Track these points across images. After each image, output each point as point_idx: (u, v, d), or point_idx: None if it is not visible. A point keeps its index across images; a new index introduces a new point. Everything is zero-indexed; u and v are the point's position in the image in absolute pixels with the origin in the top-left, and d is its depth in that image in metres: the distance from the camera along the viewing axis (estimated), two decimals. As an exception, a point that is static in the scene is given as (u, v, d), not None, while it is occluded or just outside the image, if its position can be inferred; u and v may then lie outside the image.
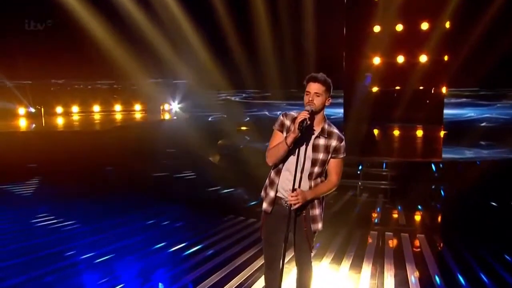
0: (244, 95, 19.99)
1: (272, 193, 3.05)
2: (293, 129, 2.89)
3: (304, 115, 2.84)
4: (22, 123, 16.25)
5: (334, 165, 3.00)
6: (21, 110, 16.94)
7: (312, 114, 2.90)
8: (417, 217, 6.22)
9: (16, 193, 7.23)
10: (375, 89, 12.93)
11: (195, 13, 14.13)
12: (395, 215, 6.25)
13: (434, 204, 6.69)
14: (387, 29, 12.29)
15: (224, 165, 9.03)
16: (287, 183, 2.98)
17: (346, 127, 11.73)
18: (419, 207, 6.53)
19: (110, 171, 8.88)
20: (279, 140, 2.96)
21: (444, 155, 8.44)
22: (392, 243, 5.23)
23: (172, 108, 19.39)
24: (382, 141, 10.71)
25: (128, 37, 14.34)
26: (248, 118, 14.66)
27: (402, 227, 5.71)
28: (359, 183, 7.28)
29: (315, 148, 2.97)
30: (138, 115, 19.25)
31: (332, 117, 15.26)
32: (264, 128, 13.03)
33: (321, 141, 2.97)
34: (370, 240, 5.29)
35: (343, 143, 3.00)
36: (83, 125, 16.39)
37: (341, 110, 13.04)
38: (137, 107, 19.57)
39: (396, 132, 11.89)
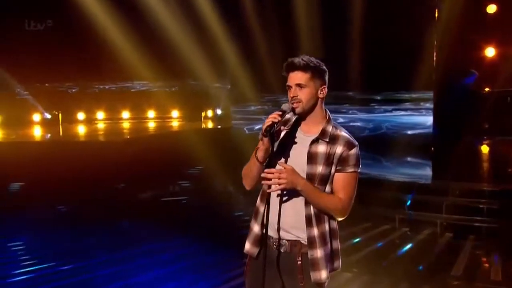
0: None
1: (256, 228, 2.80)
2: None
3: (272, 118, 2.58)
4: (37, 132, 17.32)
5: (340, 182, 2.68)
6: (36, 117, 18.04)
7: (300, 113, 2.66)
8: (521, 271, 5.62)
9: (17, 216, 7.71)
10: (486, 90, 12.18)
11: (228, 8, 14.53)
12: (488, 266, 5.77)
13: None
14: (508, 8, 11.55)
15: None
16: (276, 213, 2.70)
17: (437, 141, 11.14)
18: (527, 256, 5.93)
19: (125, 191, 9.14)
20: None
21: None
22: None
23: (215, 115, 19.70)
24: (489, 162, 10.05)
25: (156, 35, 14.96)
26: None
27: (495, 285, 5.21)
28: (442, 218, 6.83)
29: (312, 158, 2.68)
30: (175, 123, 19.77)
31: (418, 127, 14.62)
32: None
33: (321, 148, 2.69)
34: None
35: (354, 150, 2.69)
36: (108, 134, 17.09)
37: (430, 118, 12.42)
38: (175, 113, 20.08)
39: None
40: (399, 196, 7.19)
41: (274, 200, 2.69)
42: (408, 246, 6.28)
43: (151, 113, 19.90)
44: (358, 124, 15.53)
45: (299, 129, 2.73)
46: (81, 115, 19.04)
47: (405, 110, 17.35)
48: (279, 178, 2.57)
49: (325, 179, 2.67)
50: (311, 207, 2.67)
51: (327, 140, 2.68)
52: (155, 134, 17.07)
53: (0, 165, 11.05)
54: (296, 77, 2.67)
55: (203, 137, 14.95)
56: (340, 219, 2.73)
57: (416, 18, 12.30)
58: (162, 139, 15.57)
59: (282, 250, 2.70)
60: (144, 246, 6.25)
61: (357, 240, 6.48)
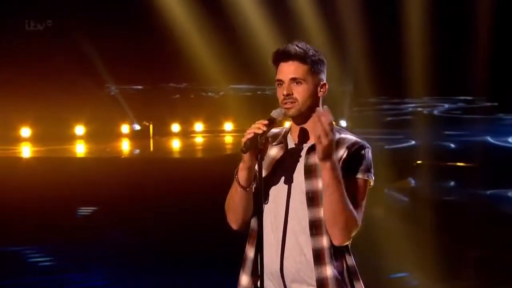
0: (447, 105, 19.21)
1: (245, 280, 2.71)
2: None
3: (255, 128, 2.56)
4: (125, 146, 18.10)
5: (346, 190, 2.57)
6: (125, 128, 18.82)
7: (297, 118, 2.68)
8: None
9: (98, 245, 8.19)
10: None
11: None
12: None
13: None
14: None
15: (392, 225, 8.66)
16: (273, 257, 2.60)
17: None
18: None
19: (218, 217, 9.21)
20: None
21: None
22: None
23: (338, 126, 19.28)
24: None
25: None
26: (452, 146, 13.77)
27: None
28: None
29: (310, 171, 2.63)
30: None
31: None
32: (483, 165, 12.29)
33: None
34: None
35: (364, 152, 2.62)
36: (206, 149, 17.41)
37: None
38: (287, 124, 19.94)
39: None
40: None
41: (270, 238, 2.61)
42: None
43: (258, 125, 19.91)
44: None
45: (291, 138, 2.71)
46: (175, 127, 19.39)
47: None
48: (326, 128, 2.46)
49: None
50: (320, 239, 2.55)
51: None
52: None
53: (81, 184, 11.62)
54: (291, 69, 2.62)
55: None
56: (341, 243, 2.54)
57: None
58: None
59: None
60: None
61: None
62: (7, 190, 10.51)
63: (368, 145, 2.64)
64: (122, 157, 16.93)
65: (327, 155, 2.47)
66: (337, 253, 2.58)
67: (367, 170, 2.61)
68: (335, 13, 15.17)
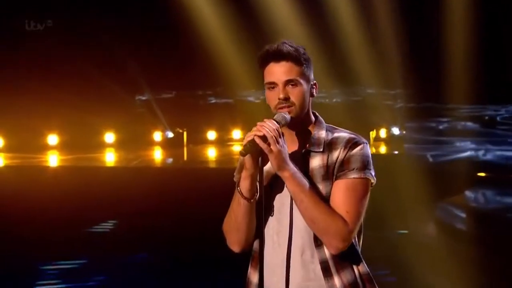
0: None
1: None
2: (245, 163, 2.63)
3: (256, 130, 2.54)
4: (157, 155, 18.13)
5: (340, 193, 2.60)
6: (157, 136, 18.89)
7: (291, 121, 2.68)
8: None
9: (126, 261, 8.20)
10: None
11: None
12: None
13: None
14: None
15: (445, 244, 8.40)
16: (278, 278, 2.62)
17: None
18: None
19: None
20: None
21: None
22: None
23: (391, 135, 19.00)
24: None
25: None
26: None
27: None
28: None
29: (308, 178, 2.66)
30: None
31: None
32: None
33: (315, 162, 2.68)
34: None
35: (359, 149, 2.65)
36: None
37: None
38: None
39: None
40: None
41: (272, 257, 2.63)
42: None
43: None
44: None
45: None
46: (211, 134, 19.44)
47: None
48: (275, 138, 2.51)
49: (328, 200, 2.62)
50: (324, 249, 2.58)
51: (321, 150, 2.66)
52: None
53: (109, 195, 11.61)
54: (284, 71, 2.62)
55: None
56: (336, 250, 2.55)
57: None
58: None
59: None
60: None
61: None
62: (32, 200, 10.58)
63: (364, 140, 2.68)
64: (154, 166, 16.93)
65: (281, 164, 2.53)
66: (345, 261, 2.61)
67: (365, 168, 2.62)
68: (381, 14, 15.18)
